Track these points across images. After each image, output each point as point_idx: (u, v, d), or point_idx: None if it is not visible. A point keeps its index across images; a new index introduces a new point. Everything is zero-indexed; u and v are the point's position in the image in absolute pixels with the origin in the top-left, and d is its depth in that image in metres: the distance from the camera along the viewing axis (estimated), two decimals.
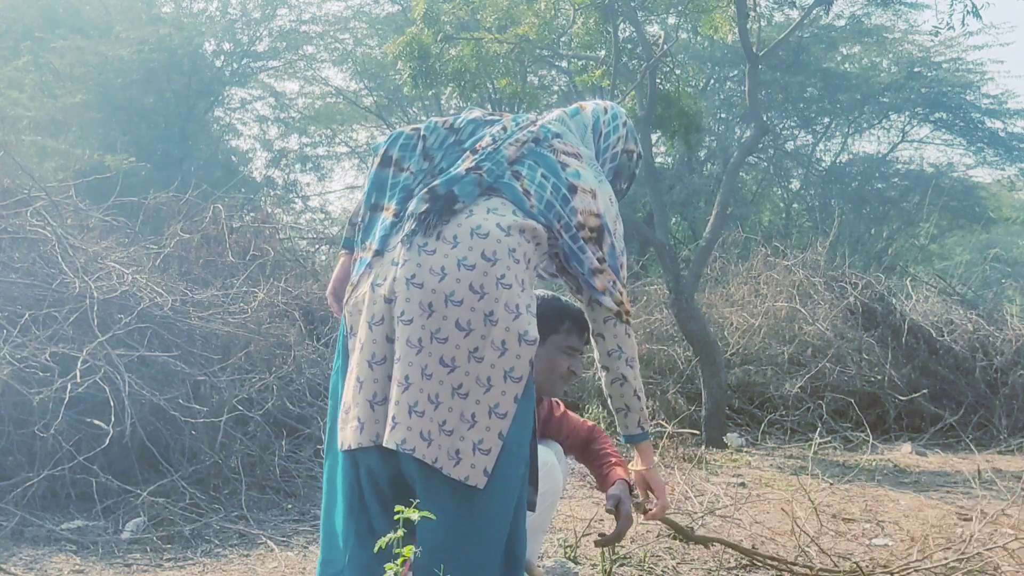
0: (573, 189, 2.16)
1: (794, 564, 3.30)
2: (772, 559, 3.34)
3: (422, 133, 2.24)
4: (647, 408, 2.32)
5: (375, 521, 2.05)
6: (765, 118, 7.35)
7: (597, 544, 2.54)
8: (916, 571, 3.26)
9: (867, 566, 3.34)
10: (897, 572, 3.24)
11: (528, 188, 2.15)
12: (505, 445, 1.99)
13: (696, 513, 4.11)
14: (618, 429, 2.33)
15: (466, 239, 2.05)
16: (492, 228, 2.06)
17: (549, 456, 2.49)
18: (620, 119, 2.42)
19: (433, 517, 1.80)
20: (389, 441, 1.97)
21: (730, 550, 3.55)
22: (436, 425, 1.97)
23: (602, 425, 5.49)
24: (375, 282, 2.07)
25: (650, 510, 2.47)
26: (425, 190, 2.11)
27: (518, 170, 2.18)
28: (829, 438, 6.41)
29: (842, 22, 14.50)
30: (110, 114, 14.34)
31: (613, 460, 2.65)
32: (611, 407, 2.32)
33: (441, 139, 2.24)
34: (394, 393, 1.99)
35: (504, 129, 2.25)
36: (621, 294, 2.19)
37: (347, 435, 2.05)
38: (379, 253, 2.11)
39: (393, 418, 1.98)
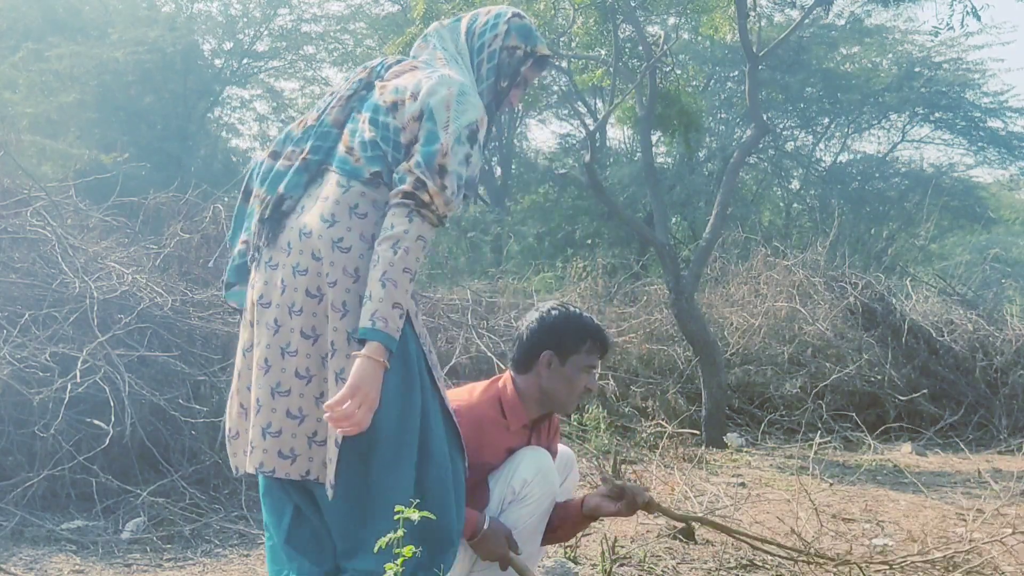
0: (393, 107, 2.03)
1: (793, 550, 3.30)
2: (757, 540, 3.34)
3: (273, 149, 2.19)
4: (396, 311, 1.89)
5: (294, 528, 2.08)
6: (765, 118, 7.35)
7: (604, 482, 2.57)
8: (914, 566, 3.26)
9: (863, 559, 3.34)
10: (896, 565, 3.24)
11: (351, 144, 2.04)
12: (377, 429, 1.90)
13: (696, 514, 4.11)
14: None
15: (296, 243, 1.99)
16: (315, 223, 1.98)
17: (546, 460, 2.47)
18: (503, 17, 2.23)
19: (434, 518, 1.80)
20: (248, 467, 2.02)
21: (730, 550, 3.55)
22: (305, 439, 1.97)
23: (602, 426, 5.50)
24: (242, 310, 2.13)
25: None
26: (257, 202, 2.10)
27: (343, 131, 2.09)
28: (829, 438, 6.41)
29: (842, 22, 14.52)
30: (109, 114, 14.35)
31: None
32: None
33: (293, 137, 2.16)
34: (251, 418, 2.02)
35: (336, 92, 2.17)
36: (425, 181, 1.92)
37: (239, 459, 2.10)
38: (243, 284, 2.14)
39: (251, 443, 2.01)
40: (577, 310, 2.53)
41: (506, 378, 2.52)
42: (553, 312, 2.49)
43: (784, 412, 6.92)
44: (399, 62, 2.18)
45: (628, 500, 2.50)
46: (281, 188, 2.05)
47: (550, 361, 2.43)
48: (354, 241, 1.95)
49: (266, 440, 1.98)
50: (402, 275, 1.88)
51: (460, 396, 2.45)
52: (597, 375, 2.58)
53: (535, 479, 2.39)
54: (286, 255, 1.99)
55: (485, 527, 2.29)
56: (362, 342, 1.86)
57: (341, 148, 2.04)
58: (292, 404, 1.97)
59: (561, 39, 7.85)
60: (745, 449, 6.19)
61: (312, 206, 2.01)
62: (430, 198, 1.91)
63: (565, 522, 2.57)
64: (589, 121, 11.84)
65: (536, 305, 2.64)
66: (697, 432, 6.14)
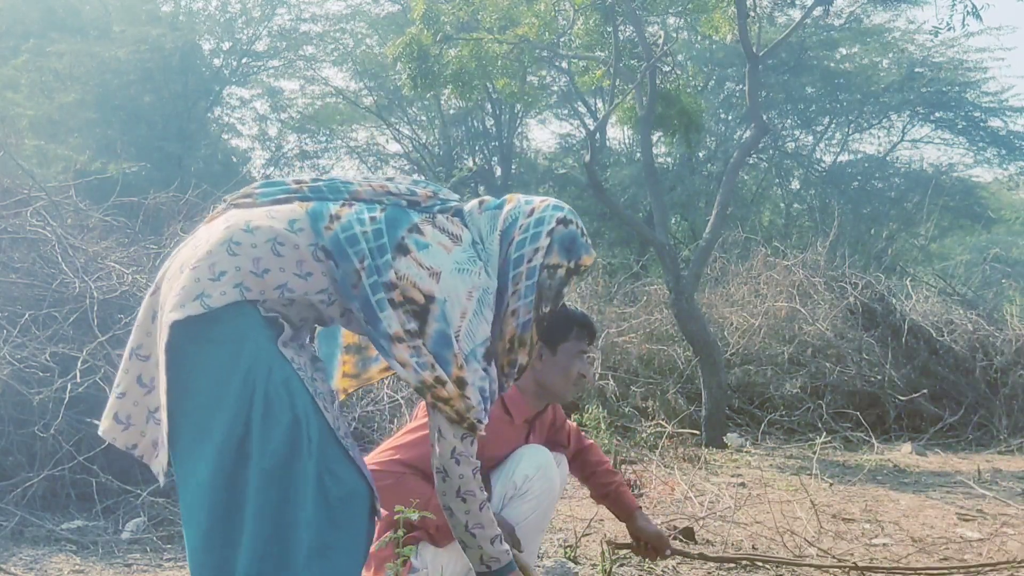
0: (403, 249, 1.92)
1: (783, 560, 3.30)
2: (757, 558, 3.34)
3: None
4: (495, 543, 2.01)
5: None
6: (765, 118, 7.35)
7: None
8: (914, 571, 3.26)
9: (862, 560, 3.34)
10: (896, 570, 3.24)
11: (341, 214, 1.92)
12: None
13: (697, 515, 4.11)
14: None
15: (218, 224, 1.92)
16: (241, 217, 1.90)
17: (546, 457, 2.50)
18: (546, 225, 2.04)
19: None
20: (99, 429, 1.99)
21: (730, 550, 3.55)
22: (145, 411, 1.94)
23: (602, 426, 5.50)
24: None
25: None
26: None
27: (353, 200, 1.97)
28: (829, 438, 6.41)
29: (842, 22, 14.52)
30: (109, 114, 14.35)
31: (617, 479, 2.78)
32: None
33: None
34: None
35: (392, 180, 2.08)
36: (437, 384, 1.88)
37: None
38: None
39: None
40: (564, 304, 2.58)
41: None
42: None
43: (784, 412, 6.92)
44: (454, 213, 2.07)
45: (653, 548, 2.75)
46: (256, 195, 2.00)
47: (540, 353, 2.47)
48: (245, 254, 1.84)
49: (111, 399, 1.93)
50: (478, 517, 2.00)
51: None
52: (589, 361, 2.60)
53: (536, 475, 2.42)
54: (205, 228, 1.95)
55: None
56: None
57: (331, 209, 1.93)
58: (146, 372, 1.89)
59: (561, 40, 7.85)
60: (745, 449, 6.19)
61: (263, 210, 1.93)
62: (447, 395, 1.89)
63: (603, 488, 2.79)
64: (589, 121, 11.85)
65: None
66: (697, 432, 6.14)
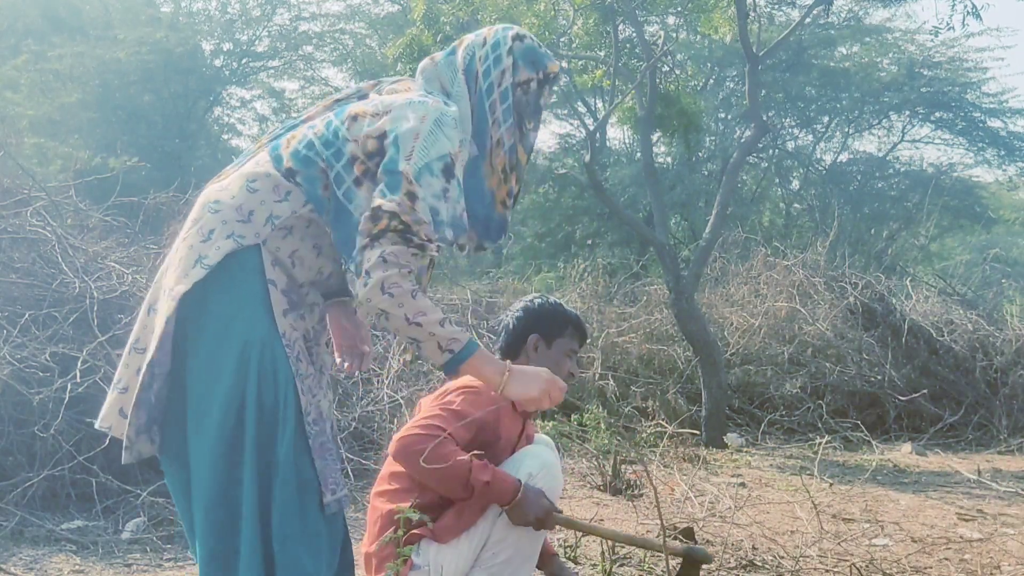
0: (354, 117, 1.93)
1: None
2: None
3: None
4: (444, 324, 1.84)
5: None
6: (765, 118, 7.35)
7: None
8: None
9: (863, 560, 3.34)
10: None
11: (296, 135, 1.98)
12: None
13: (697, 515, 4.11)
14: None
15: (193, 208, 1.99)
16: (211, 186, 1.97)
17: (551, 456, 2.53)
18: (504, 46, 2.04)
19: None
20: (97, 423, 2.02)
21: (730, 550, 3.55)
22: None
23: (602, 426, 5.50)
24: None
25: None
26: None
27: (306, 121, 2.03)
28: (829, 438, 6.41)
29: (842, 21, 14.52)
30: (109, 114, 14.35)
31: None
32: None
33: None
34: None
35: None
36: (390, 208, 1.82)
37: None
38: None
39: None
40: (557, 300, 2.68)
41: None
42: (536, 300, 2.66)
43: (784, 412, 6.92)
44: (401, 80, 2.10)
45: None
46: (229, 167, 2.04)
47: (537, 344, 2.57)
48: (227, 208, 1.89)
49: (114, 395, 1.95)
50: (414, 305, 1.80)
51: (473, 384, 2.47)
52: (577, 362, 2.66)
53: (540, 473, 2.43)
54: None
55: (521, 491, 2.31)
56: (456, 372, 1.87)
57: (287, 135, 1.99)
58: (144, 363, 1.92)
59: (561, 39, 7.86)
60: (745, 449, 6.19)
61: (230, 174, 1.99)
62: (400, 223, 1.81)
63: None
64: (589, 121, 11.84)
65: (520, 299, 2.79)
66: (697, 432, 6.14)
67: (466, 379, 2.30)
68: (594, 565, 3.30)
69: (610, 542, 3.37)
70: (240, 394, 1.83)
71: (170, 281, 1.87)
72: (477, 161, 2.01)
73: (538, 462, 2.46)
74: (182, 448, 1.90)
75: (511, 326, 2.61)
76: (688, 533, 3.72)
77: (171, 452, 1.94)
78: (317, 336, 2.00)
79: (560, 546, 3.51)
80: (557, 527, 2.51)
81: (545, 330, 2.57)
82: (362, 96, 2.07)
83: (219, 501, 1.83)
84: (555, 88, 2.18)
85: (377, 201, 1.82)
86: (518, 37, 2.07)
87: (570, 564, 3.29)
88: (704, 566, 3.28)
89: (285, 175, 1.92)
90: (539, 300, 2.65)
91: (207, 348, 1.85)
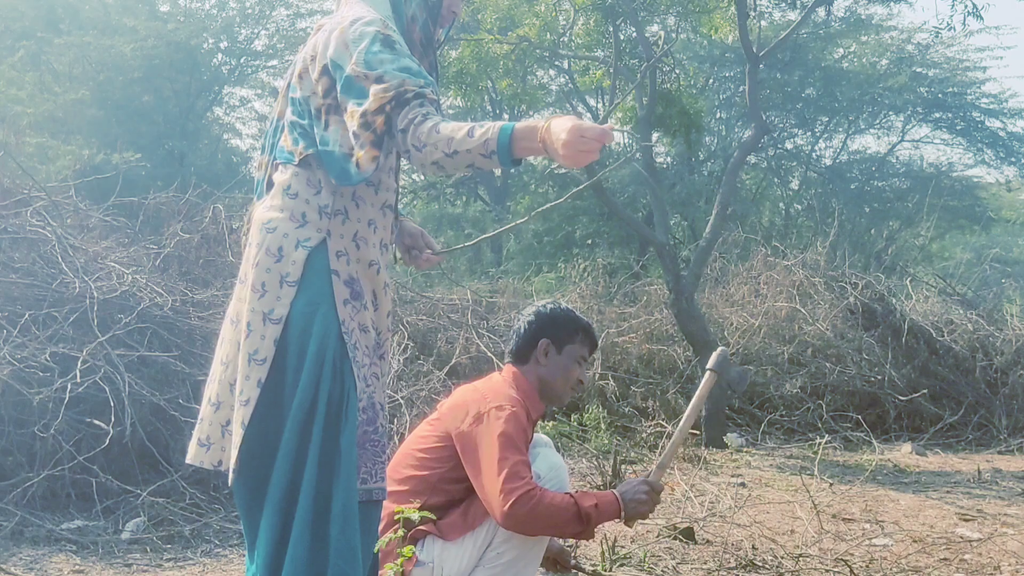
0: (299, 78, 1.99)
1: None
2: None
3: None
4: (473, 135, 1.79)
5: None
6: (765, 118, 7.35)
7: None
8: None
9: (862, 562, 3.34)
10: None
11: (284, 135, 2.03)
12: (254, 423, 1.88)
13: (697, 515, 4.11)
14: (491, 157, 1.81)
15: (250, 234, 2.03)
16: (258, 210, 2.02)
17: (558, 459, 2.55)
18: None
19: (431, 517, 1.79)
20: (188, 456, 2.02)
21: (730, 550, 3.56)
22: (219, 427, 1.96)
23: (602, 426, 5.50)
24: None
25: None
26: None
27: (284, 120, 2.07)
28: (829, 438, 6.41)
29: (841, 21, 14.52)
30: (109, 113, 14.35)
31: None
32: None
33: (264, 144, 2.15)
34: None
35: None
36: (370, 105, 1.84)
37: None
38: None
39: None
40: (569, 306, 2.70)
41: (515, 372, 2.59)
42: (548, 306, 2.68)
43: (784, 412, 6.92)
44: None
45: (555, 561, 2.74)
46: (255, 199, 2.10)
47: (547, 349, 2.57)
48: (282, 222, 1.95)
49: (196, 428, 2.01)
50: (443, 143, 1.79)
51: (495, 389, 2.49)
52: (587, 370, 2.69)
53: (548, 475, 2.45)
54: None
55: (622, 498, 2.38)
56: (515, 158, 1.80)
57: (281, 138, 2.04)
58: (212, 391, 1.98)
59: (561, 40, 7.86)
60: (745, 449, 6.19)
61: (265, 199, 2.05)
62: (390, 104, 1.82)
63: None
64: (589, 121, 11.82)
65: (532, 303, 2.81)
66: (697, 432, 6.13)
67: (492, 395, 2.43)
68: (594, 565, 3.30)
69: (611, 542, 3.37)
70: (314, 388, 1.88)
71: (262, 306, 1.91)
72: (405, 40, 2.05)
73: (546, 464, 2.48)
74: (258, 459, 1.91)
75: (522, 330, 2.61)
76: (688, 533, 3.74)
77: (250, 468, 1.93)
78: (379, 325, 2.05)
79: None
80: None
81: (556, 335, 2.57)
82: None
83: (288, 488, 1.87)
84: None
85: (359, 110, 1.85)
86: None
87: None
88: (701, 563, 3.28)
89: (302, 165, 1.98)
90: (551, 305, 2.67)
91: (295, 353, 1.90)
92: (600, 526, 3.74)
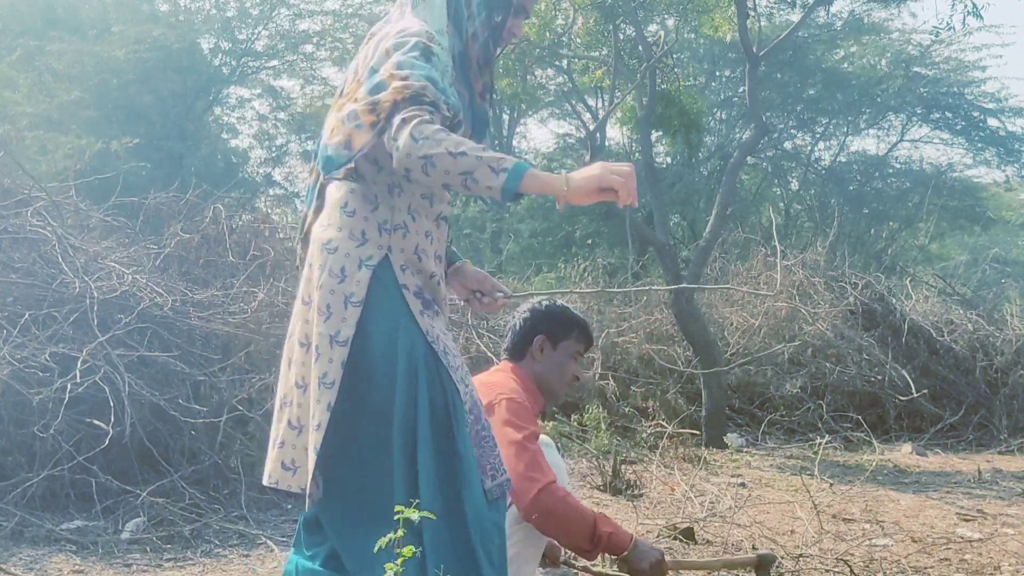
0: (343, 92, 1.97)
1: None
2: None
3: None
4: (484, 155, 1.73)
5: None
6: (765, 118, 7.35)
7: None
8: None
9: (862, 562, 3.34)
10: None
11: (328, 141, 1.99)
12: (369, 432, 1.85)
13: (697, 515, 4.11)
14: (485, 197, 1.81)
15: (308, 252, 1.99)
16: (315, 228, 1.98)
17: (557, 456, 2.56)
18: None
19: (431, 516, 1.77)
20: (264, 478, 1.99)
21: (730, 550, 3.56)
22: (303, 451, 1.91)
23: (602, 426, 5.51)
24: None
25: None
26: None
27: None
28: (829, 438, 6.42)
29: (841, 22, 14.52)
30: (108, 113, 14.34)
31: None
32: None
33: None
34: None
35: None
36: (381, 97, 1.81)
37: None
38: None
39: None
40: (564, 304, 2.72)
41: (511, 368, 2.61)
42: (544, 303, 2.70)
43: (784, 412, 6.92)
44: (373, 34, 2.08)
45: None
46: (304, 207, 2.07)
47: (543, 345, 2.59)
48: (342, 241, 1.91)
49: (274, 451, 1.97)
50: (450, 139, 1.73)
51: (501, 383, 2.51)
52: (583, 365, 2.70)
53: None
54: (306, 268, 1.99)
55: (633, 542, 2.41)
56: (516, 193, 1.74)
57: (322, 147, 1.99)
58: (292, 415, 1.94)
59: (561, 39, 7.85)
60: (745, 449, 6.19)
61: (321, 214, 2.01)
62: (402, 96, 1.77)
63: None
64: (589, 121, 11.84)
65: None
66: (697, 432, 6.14)
67: (499, 387, 2.42)
68: (594, 565, 3.30)
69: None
70: (413, 404, 1.85)
71: (328, 329, 1.87)
72: (462, 56, 2.02)
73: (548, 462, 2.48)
74: (351, 482, 1.89)
75: (518, 327, 2.63)
76: (688, 533, 3.74)
77: (335, 492, 1.91)
78: (447, 328, 2.04)
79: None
80: None
81: (551, 332, 2.59)
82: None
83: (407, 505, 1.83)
84: None
85: (373, 98, 1.81)
86: None
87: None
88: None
89: (357, 181, 1.95)
90: (546, 302, 2.68)
91: (380, 370, 1.87)
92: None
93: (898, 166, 16.25)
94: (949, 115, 15.30)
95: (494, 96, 2.13)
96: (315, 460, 1.84)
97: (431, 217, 2.00)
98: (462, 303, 2.26)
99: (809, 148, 16.10)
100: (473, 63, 2.05)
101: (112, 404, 3.71)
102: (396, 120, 1.76)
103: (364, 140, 1.83)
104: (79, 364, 3.82)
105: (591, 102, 15.33)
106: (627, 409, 6.35)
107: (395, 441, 1.85)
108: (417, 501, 1.75)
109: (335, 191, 1.97)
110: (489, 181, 1.72)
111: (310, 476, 1.85)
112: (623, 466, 4.79)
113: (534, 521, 2.34)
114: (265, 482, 1.99)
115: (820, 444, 5.48)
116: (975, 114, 15.11)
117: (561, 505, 2.30)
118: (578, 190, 1.77)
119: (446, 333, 1.98)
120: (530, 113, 16.39)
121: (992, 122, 15.10)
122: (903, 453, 6.28)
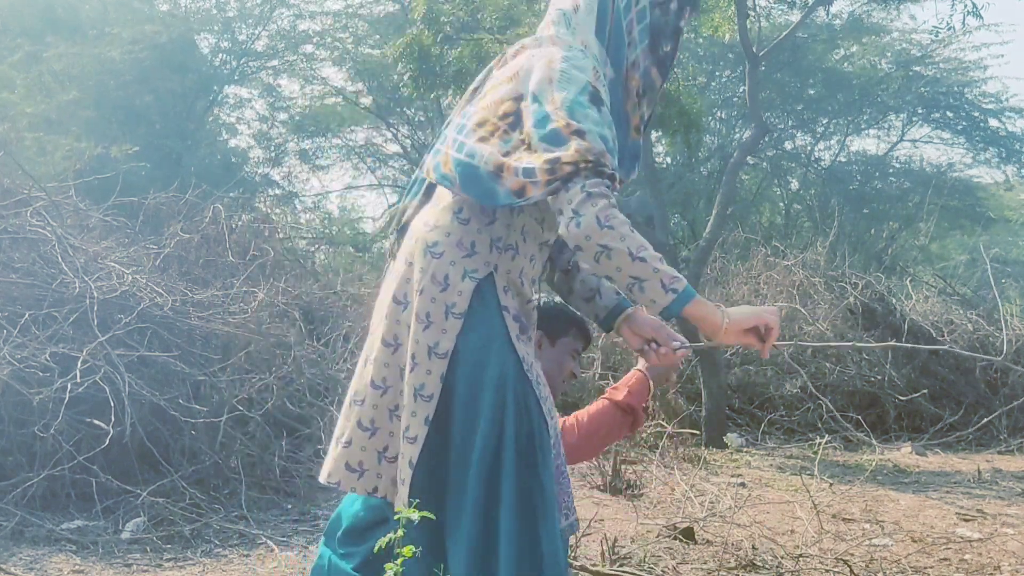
0: (475, 92, 1.90)
1: None
2: None
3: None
4: (661, 268, 1.71)
5: None
6: (765, 118, 7.35)
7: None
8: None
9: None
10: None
11: (446, 152, 1.88)
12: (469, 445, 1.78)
13: (697, 515, 4.11)
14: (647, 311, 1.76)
15: (403, 247, 1.90)
16: (418, 227, 1.88)
17: None
18: None
19: (431, 516, 1.73)
20: (321, 475, 1.93)
21: (730, 550, 3.55)
22: (375, 453, 1.85)
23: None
24: None
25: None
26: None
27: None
28: (829, 438, 6.42)
29: (841, 22, 14.52)
30: (108, 113, 14.34)
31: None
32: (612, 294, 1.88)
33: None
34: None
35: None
36: (559, 154, 1.72)
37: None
38: None
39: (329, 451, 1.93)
40: (562, 301, 2.65)
41: None
42: (541, 300, 2.66)
43: (784, 412, 6.92)
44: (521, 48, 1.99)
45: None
46: (407, 198, 1.98)
47: (540, 342, 2.56)
48: (449, 247, 1.81)
49: (337, 449, 1.89)
50: (632, 238, 1.69)
51: None
52: (580, 363, 2.70)
53: None
54: (395, 262, 1.90)
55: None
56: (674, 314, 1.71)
57: (442, 150, 1.88)
58: (364, 415, 1.86)
59: None
60: (745, 449, 6.19)
61: (426, 210, 1.91)
62: (586, 161, 1.69)
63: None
64: None
65: None
66: (697, 432, 6.13)
67: None
68: (594, 565, 3.30)
69: (611, 542, 3.37)
70: (499, 430, 1.78)
71: (427, 339, 1.79)
72: (614, 84, 1.91)
73: None
74: (435, 497, 1.81)
75: None
76: (688, 533, 3.74)
77: (421, 506, 1.82)
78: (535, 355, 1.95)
79: None
80: None
81: (548, 329, 2.58)
82: (489, 72, 1.99)
83: (481, 536, 1.77)
84: (695, 11, 2.03)
85: (549, 155, 1.70)
86: None
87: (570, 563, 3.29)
88: (701, 563, 3.28)
89: (459, 193, 1.86)
90: (544, 299, 2.67)
91: (466, 389, 1.79)
92: (600, 525, 3.75)
93: (898, 166, 16.25)
94: (949, 115, 15.30)
95: (650, 122, 2.01)
96: (411, 474, 1.77)
97: (538, 241, 1.91)
98: (636, 353, 2.14)
99: (809, 148, 16.10)
100: (632, 95, 1.93)
101: (112, 404, 3.71)
102: (577, 190, 1.69)
103: (536, 194, 1.73)
104: (79, 364, 3.82)
105: None
106: None
107: (475, 468, 1.77)
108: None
109: (449, 193, 1.86)
110: (656, 296, 1.71)
111: (407, 490, 1.77)
112: (623, 466, 4.79)
113: (576, 457, 2.39)
114: (322, 479, 1.91)
115: (820, 444, 5.48)
116: (975, 114, 15.10)
117: (584, 430, 2.37)
118: (737, 324, 1.79)
119: (538, 362, 1.91)
120: None
121: (992, 122, 15.10)
122: (903, 453, 6.28)
